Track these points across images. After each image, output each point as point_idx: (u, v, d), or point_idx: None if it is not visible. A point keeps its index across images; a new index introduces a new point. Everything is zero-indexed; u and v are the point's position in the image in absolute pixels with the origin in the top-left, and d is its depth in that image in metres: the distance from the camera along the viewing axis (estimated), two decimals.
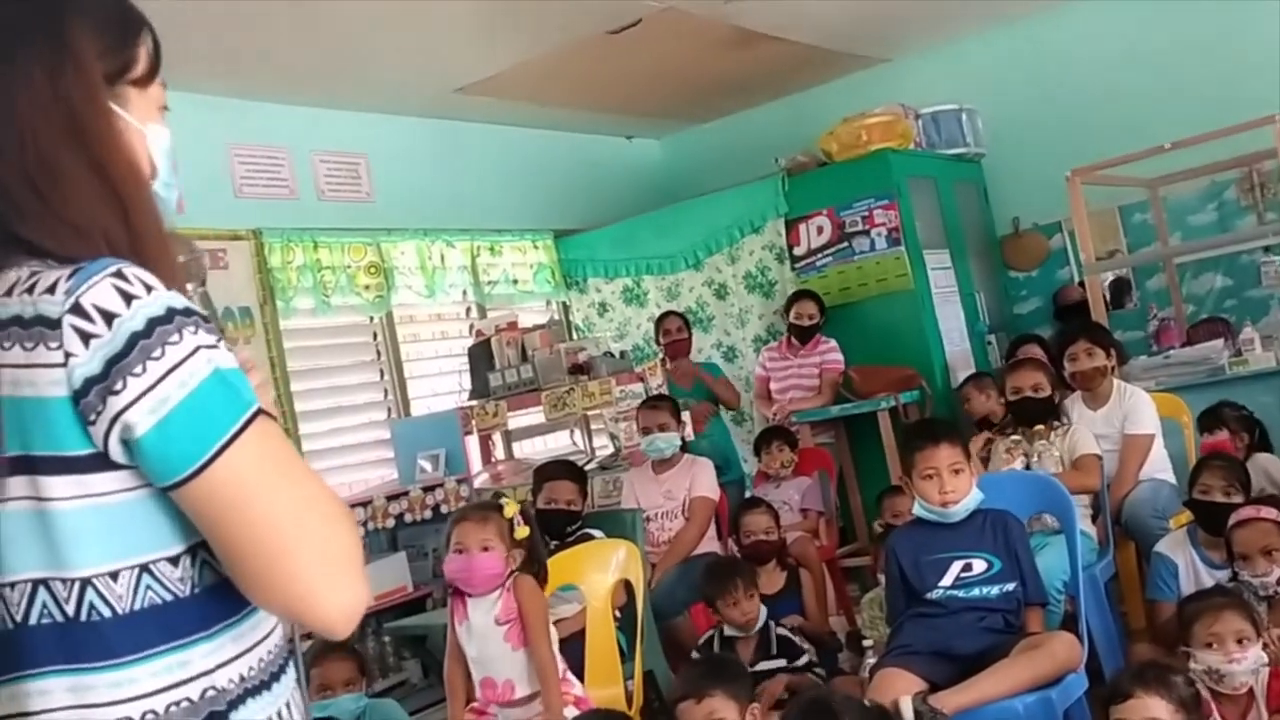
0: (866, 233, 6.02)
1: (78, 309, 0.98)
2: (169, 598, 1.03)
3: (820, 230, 6.18)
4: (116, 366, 0.97)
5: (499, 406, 5.42)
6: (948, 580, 3.07)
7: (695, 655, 3.73)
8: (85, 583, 1.00)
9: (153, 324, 0.99)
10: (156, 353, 0.98)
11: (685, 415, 4.93)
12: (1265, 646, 2.66)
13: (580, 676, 3.17)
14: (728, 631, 3.70)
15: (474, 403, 5.59)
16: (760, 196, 6.35)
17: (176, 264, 1.10)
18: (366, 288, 5.82)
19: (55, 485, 0.99)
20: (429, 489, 5.15)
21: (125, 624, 1.01)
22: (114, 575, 1.01)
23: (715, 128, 7.67)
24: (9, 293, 1.01)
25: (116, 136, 1.08)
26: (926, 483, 3.10)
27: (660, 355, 5.87)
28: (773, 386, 5.95)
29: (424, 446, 5.42)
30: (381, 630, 4.86)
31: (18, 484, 1.00)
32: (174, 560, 1.03)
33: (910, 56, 6.86)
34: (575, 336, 6.61)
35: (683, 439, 4.79)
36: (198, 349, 1.00)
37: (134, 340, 0.98)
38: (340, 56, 5.16)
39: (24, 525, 1.00)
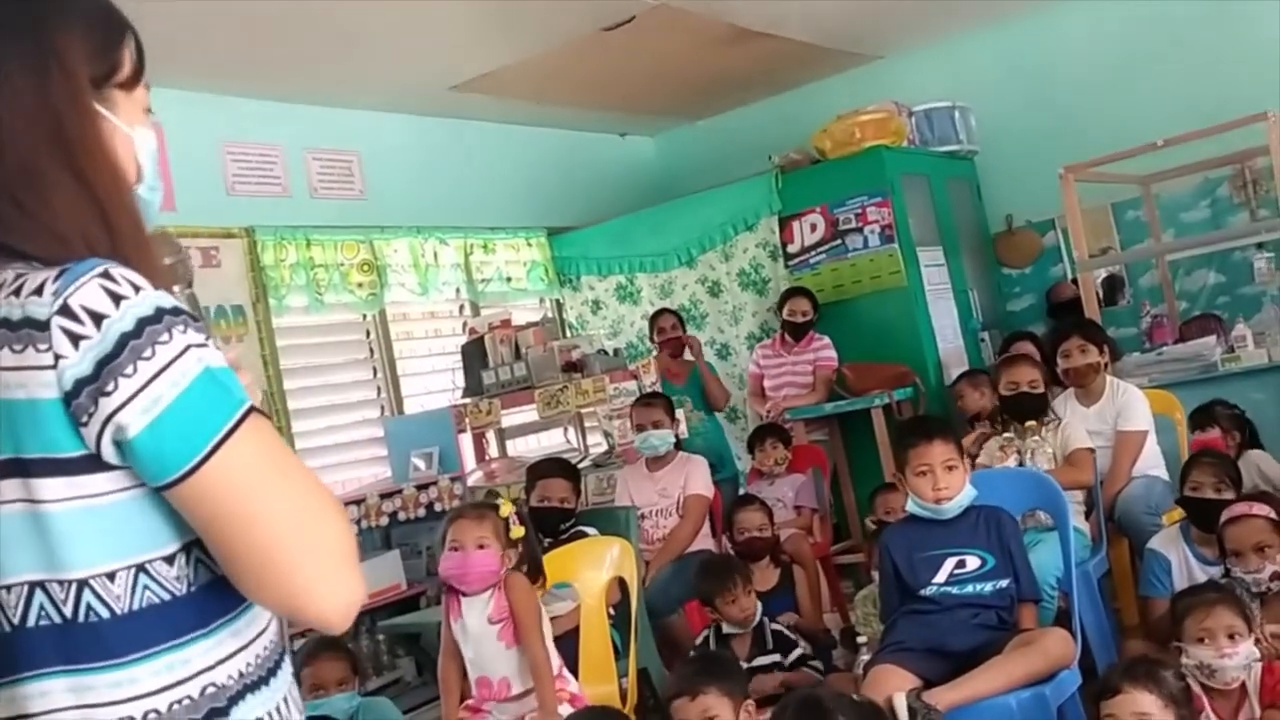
0: (860, 230, 6.03)
1: (66, 310, 0.98)
2: (166, 597, 1.03)
3: (814, 227, 6.18)
4: (107, 368, 0.97)
5: (492, 404, 5.42)
6: (941, 577, 3.07)
7: (694, 654, 3.73)
8: (82, 584, 1.00)
9: (142, 324, 0.99)
10: (147, 353, 0.98)
11: (679, 413, 4.93)
12: (1257, 642, 2.67)
13: (575, 674, 3.17)
14: (725, 629, 3.70)
15: (467, 400, 5.58)
16: (754, 194, 6.35)
17: (162, 266, 1.10)
18: (359, 285, 5.82)
19: (48, 487, 0.99)
20: (423, 487, 5.15)
21: (124, 624, 1.01)
22: (111, 576, 1.01)
23: (709, 125, 7.67)
24: None
25: (101, 142, 1.08)
26: (920, 479, 3.11)
27: (655, 353, 5.86)
28: (766, 384, 5.95)
29: (417, 444, 5.42)
30: (375, 628, 4.86)
31: (10, 487, 1.00)
32: (169, 559, 1.03)
33: (903, 54, 6.86)
34: (569, 334, 6.61)
35: (677, 437, 4.79)
36: (188, 348, 1.00)
37: (124, 341, 0.98)
38: (333, 54, 5.15)
39: (18, 528, 1.00)
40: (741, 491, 5.21)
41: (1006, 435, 4.04)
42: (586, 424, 6.31)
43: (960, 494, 3.09)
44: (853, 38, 6.48)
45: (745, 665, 3.48)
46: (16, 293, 1.00)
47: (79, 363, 0.97)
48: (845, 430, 5.82)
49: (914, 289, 5.97)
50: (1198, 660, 2.63)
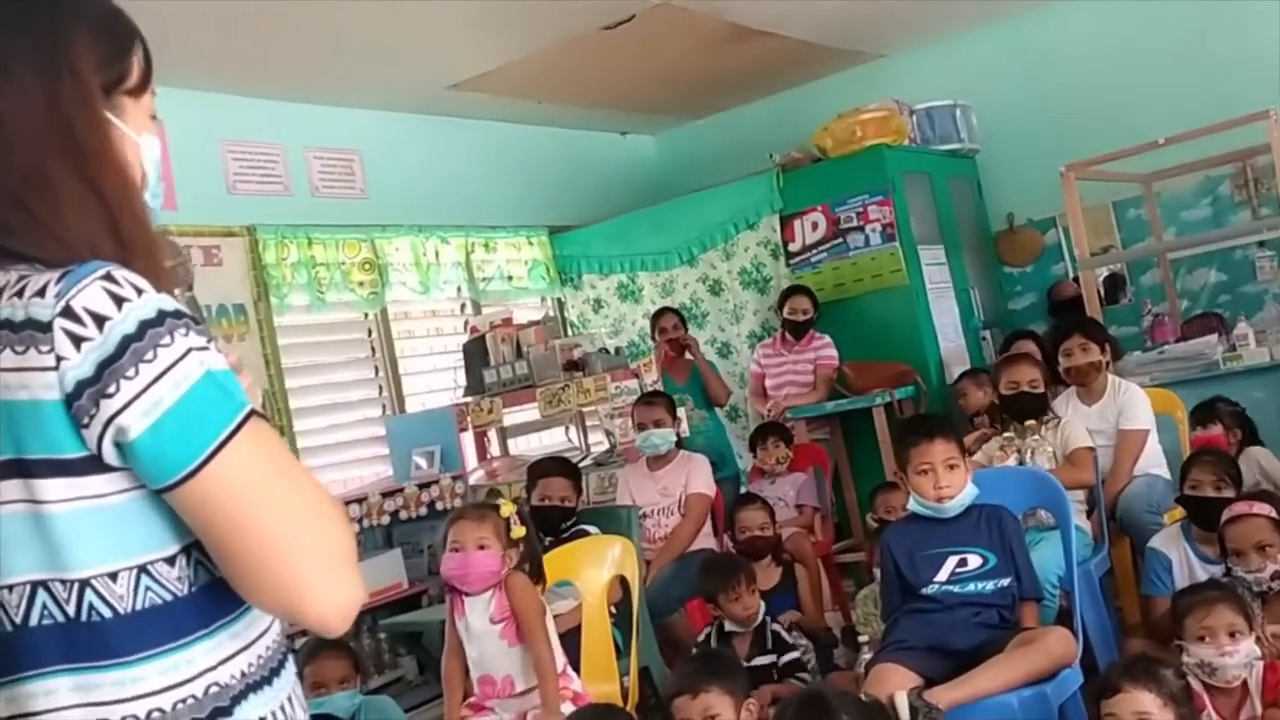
0: (861, 229, 6.03)
1: (68, 312, 0.98)
2: (168, 597, 1.03)
3: (815, 226, 6.18)
4: (109, 369, 0.98)
5: (494, 403, 5.42)
6: (943, 575, 3.07)
7: (695, 651, 3.73)
8: (84, 584, 1.01)
9: (144, 326, 0.99)
10: (148, 355, 0.99)
11: (680, 412, 4.93)
12: (1258, 641, 2.67)
13: (576, 672, 3.17)
14: (727, 627, 3.70)
15: (469, 399, 5.58)
16: (755, 192, 6.35)
17: (166, 269, 1.10)
18: (361, 284, 5.82)
19: (50, 488, 1.00)
20: (424, 486, 5.15)
21: (128, 624, 1.02)
22: (113, 576, 1.01)
23: (710, 124, 7.67)
24: None
25: (112, 150, 1.08)
26: (921, 478, 3.10)
27: (656, 351, 5.86)
28: (768, 383, 5.95)
29: (419, 443, 5.42)
30: (377, 627, 4.86)
31: (12, 487, 1.00)
32: (170, 560, 1.04)
33: (905, 52, 6.86)
34: (570, 333, 6.61)
35: (678, 435, 4.79)
36: (189, 351, 1.01)
37: (126, 343, 0.98)
38: (334, 53, 5.15)
39: (20, 528, 1.01)
40: (743, 490, 5.21)
41: (1006, 435, 4.04)
42: (588, 423, 6.32)
43: (962, 493, 3.09)
44: (854, 36, 6.47)
45: (746, 664, 3.48)
46: (19, 294, 1.00)
47: (80, 364, 0.98)
48: (846, 429, 5.82)
49: (915, 287, 5.97)
50: (1199, 658, 2.63)
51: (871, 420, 5.51)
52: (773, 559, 4.22)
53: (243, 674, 1.07)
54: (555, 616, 3.30)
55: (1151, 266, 6.39)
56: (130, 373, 0.98)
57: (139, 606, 1.02)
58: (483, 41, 5.44)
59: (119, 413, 0.98)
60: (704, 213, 6.53)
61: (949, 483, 3.08)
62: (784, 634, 3.71)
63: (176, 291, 1.08)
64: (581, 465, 4.92)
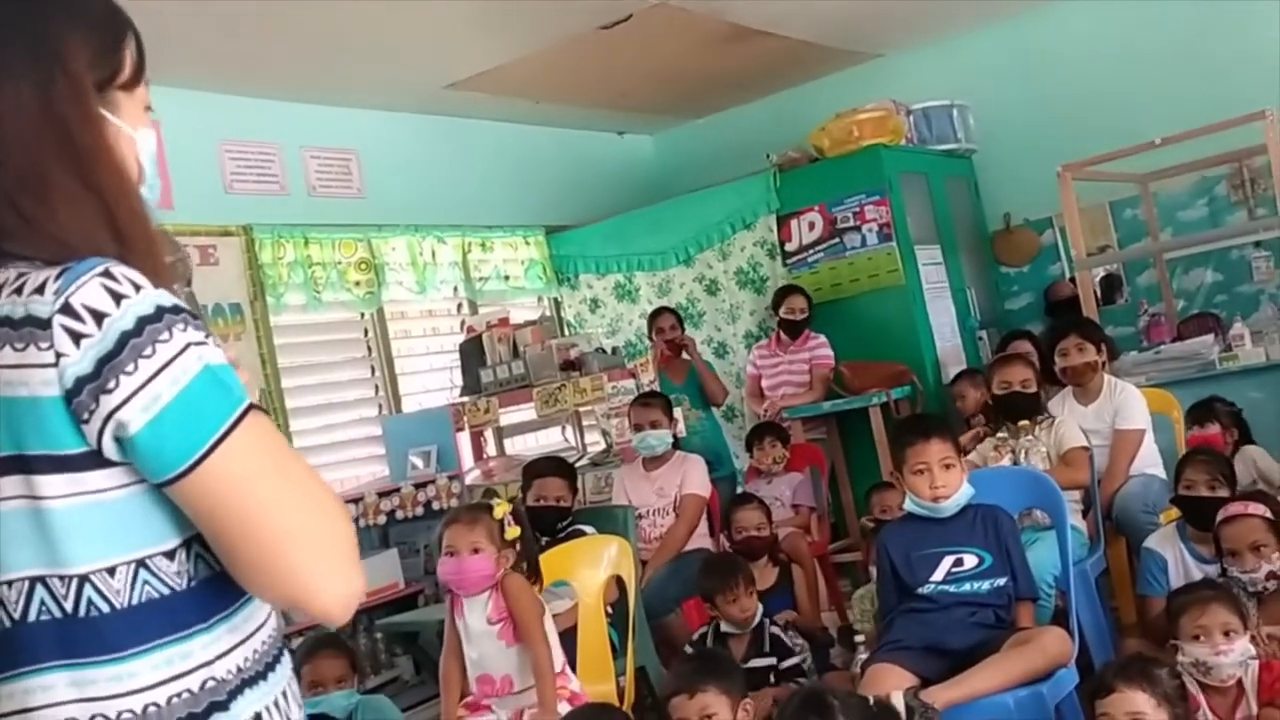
0: (858, 228, 6.04)
1: (67, 309, 0.99)
2: (166, 591, 1.04)
3: (812, 226, 6.19)
4: (108, 365, 0.98)
5: (490, 403, 5.41)
6: (939, 575, 3.07)
7: (689, 649, 3.73)
8: (83, 579, 1.01)
9: (143, 322, 1.00)
10: (147, 351, 0.99)
11: (677, 412, 4.93)
12: (1253, 640, 2.67)
13: (574, 672, 3.17)
14: (723, 628, 3.70)
15: (465, 399, 5.58)
16: (752, 192, 6.35)
17: (166, 265, 1.11)
18: (357, 284, 5.81)
19: (49, 484, 1.00)
20: (420, 485, 5.15)
21: (124, 619, 1.02)
22: (111, 571, 1.02)
23: (707, 123, 7.67)
24: None
25: (107, 147, 1.09)
26: (917, 478, 3.11)
27: (653, 350, 5.86)
28: (764, 383, 5.95)
29: (415, 443, 5.42)
30: (373, 627, 4.86)
31: (12, 483, 1.01)
32: (169, 555, 1.05)
33: (902, 52, 6.86)
34: (567, 333, 6.61)
35: (675, 436, 4.79)
36: (188, 346, 1.02)
37: (125, 339, 0.99)
38: (331, 52, 5.14)
39: (19, 524, 1.01)
40: (739, 490, 5.21)
41: (1000, 435, 4.04)
42: (584, 423, 6.32)
43: (957, 492, 3.09)
44: (851, 36, 6.48)
45: (743, 666, 3.47)
46: (18, 291, 1.01)
47: (80, 360, 0.98)
48: (843, 429, 5.82)
49: (912, 288, 5.98)
50: (1194, 658, 2.63)
51: (868, 420, 5.52)
52: (769, 559, 4.22)
53: (239, 669, 1.07)
54: (552, 616, 3.31)
55: (1148, 266, 6.40)
56: (129, 368, 0.98)
57: (136, 601, 1.02)
58: (480, 41, 5.44)
59: (119, 408, 0.98)
60: (701, 213, 6.54)
61: (945, 482, 3.08)
62: (783, 636, 3.71)
63: (175, 287, 1.09)
64: (578, 465, 4.92)
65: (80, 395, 0.98)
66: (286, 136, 5.62)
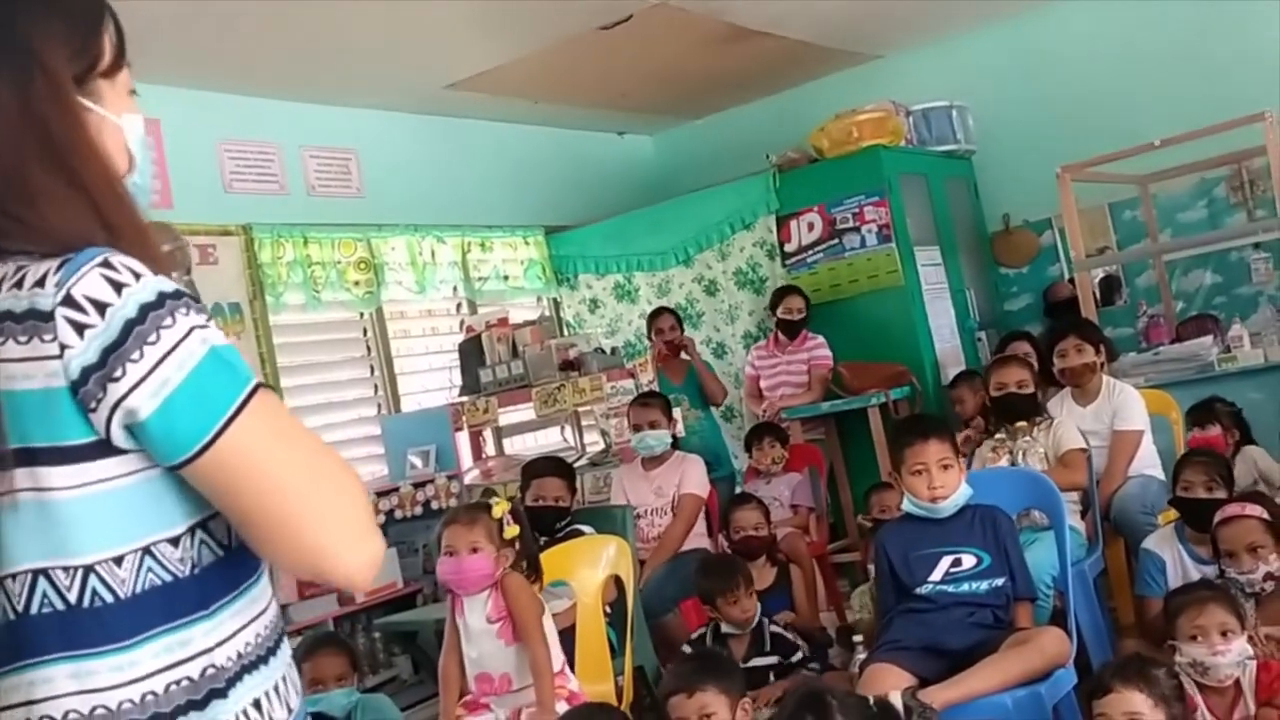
0: (857, 229, 6.04)
1: (69, 301, 1.00)
2: (168, 578, 1.05)
3: (811, 227, 6.19)
4: (114, 354, 0.99)
5: (489, 403, 5.42)
6: (937, 575, 3.07)
7: (686, 649, 3.73)
8: (88, 569, 1.02)
9: (146, 309, 1.01)
10: (152, 338, 1.00)
11: (676, 412, 4.93)
12: (1251, 640, 2.68)
13: (573, 671, 3.17)
14: (723, 629, 3.70)
15: (464, 399, 5.58)
16: (751, 193, 6.35)
17: (161, 253, 1.11)
18: (357, 283, 5.81)
19: (57, 475, 1.01)
20: (419, 485, 5.15)
21: (126, 607, 1.03)
22: (118, 560, 1.03)
23: (707, 124, 7.68)
24: None
25: (90, 141, 1.09)
26: (916, 478, 3.11)
27: (652, 351, 5.86)
28: (762, 384, 5.96)
29: (414, 443, 5.42)
30: (372, 626, 4.86)
31: (19, 477, 1.02)
32: (174, 541, 1.05)
33: (902, 53, 6.87)
34: (566, 333, 6.61)
35: (674, 436, 4.79)
36: (192, 330, 1.03)
37: (129, 327, 1.00)
38: (331, 52, 5.14)
39: (26, 517, 1.02)
40: (738, 490, 5.21)
41: (998, 436, 4.04)
42: (583, 422, 6.32)
43: (956, 493, 3.10)
44: (850, 37, 6.48)
45: (742, 665, 3.47)
46: (19, 285, 1.01)
47: (85, 351, 0.99)
48: (842, 429, 5.82)
49: (911, 288, 5.98)
50: (1191, 658, 2.63)
51: (867, 421, 5.52)
52: (768, 559, 4.22)
53: (239, 654, 1.08)
54: (551, 616, 3.31)
55: (1147, 268, 6.41)
56: (135, 355, 0.99)
57: (139, 589, 1.03)
58: (480, 41, 5.44)
59: (126, 395, 0.99)
60: (700, 213, 6.54)
61: (943, 483, 3.08)
62: (784, 633, 3.71)
63: (174, 275, 1.09)
64: (576, 465, 4.93)
65: (87, 385, 0.99)
66: (286, 136, 5.62)
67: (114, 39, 1.13)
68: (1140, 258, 6.39)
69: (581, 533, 3.92)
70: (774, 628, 3.71)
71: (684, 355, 5.87)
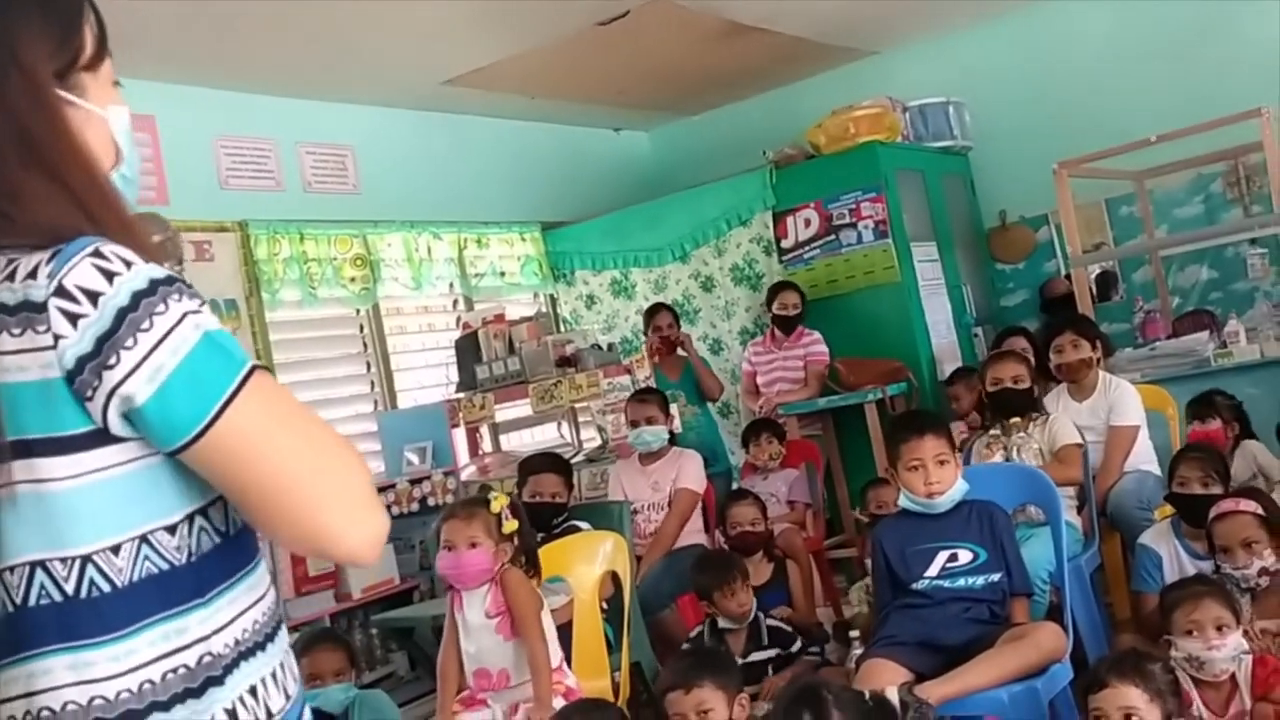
0: (854, 225, 6.04)
1: (62, 291, 1.00)
2: (165, 567, 1.05)
3: (808, 223, 6.19)
4: (108, 342, 1.00)
5: (486, 399, 5.41)
6: (933, 571, 3.07)
7: (686, 646, 3.74)
8: (86, 560, 1.03)
9: (138, 297, 1.01)
10: (145, 324, 1.01)
11: (673, 408, 4.93)
12: (1246, 635, 2.68)
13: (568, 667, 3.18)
14: (720, 624, 3.71)
15: (461, 395, 5.58)
16: (748, 189, 6.35)
17: (151, 244, 1.11)
18: (353, 280, 5.81)
19: (54, 466, 1.02)
20: (416, 481, 5.14)
21: (123, 597, 1.03)
22: (115, 549, 1.03)
23: (703, 120, 7.68)
24: None
25: (71, 137, 1.08)
26: (912, 474, 3.11)
27: (646, 345, 5.86)
28: (759, 380, 5.96)
29: (411, 439, 5.41)
30: (369, 622, 4.86)
31: (16, 469, 1.02)
32: (171, 529, 1.06)
33: (898, 50, 6.87)
34: (562, 329, 6.61)
35: (671, 432, 4.79)
36: (185, 315, 1.03)
37: (122, 315, 1.00)
38: (327, 48, 5.14)
39: (24, 510, 1.02)
40: (735, 486, 5.21)
41: (993, 432, 4.04)
42: (580, 418, 6.32)
43: (952, 488, 3.10)
44: (847, 33, 6.48)
45: (741, 660, 3.48)
46: (10, 277, 1.02)
47: (79, 341, 0.99)
48: (838, 425, 5.83)
49: (908, 284, 5.98)
50: (1186, 653, 2.64)
51: (863, 416, 5.52)
52: (764, 555, 4.23)
53: (236, 641, 1.08)
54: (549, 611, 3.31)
55: (1143, 264, 6.42)
56: (129, 343, 1.00)
57: (136, 578, 1.03)
58: (477, 37, 5.44)
59: (122, 382, 1.00)
60: (697, 209, 6.54)
61: (939, 478, 3.08)
62: (781, 625, 3.72)
63: (166, 265, 1.09)
64: (573, 461, 4.92)
65: (82, 374, 1.00)
66: (282, 132, 5.62)
67: (95, 31, 1.13)
68: (1136, 253, 6.39)
69: (578, 529, 3.93)
70: (770, 621, 3.72)
71: (681, 351, 5.87)
